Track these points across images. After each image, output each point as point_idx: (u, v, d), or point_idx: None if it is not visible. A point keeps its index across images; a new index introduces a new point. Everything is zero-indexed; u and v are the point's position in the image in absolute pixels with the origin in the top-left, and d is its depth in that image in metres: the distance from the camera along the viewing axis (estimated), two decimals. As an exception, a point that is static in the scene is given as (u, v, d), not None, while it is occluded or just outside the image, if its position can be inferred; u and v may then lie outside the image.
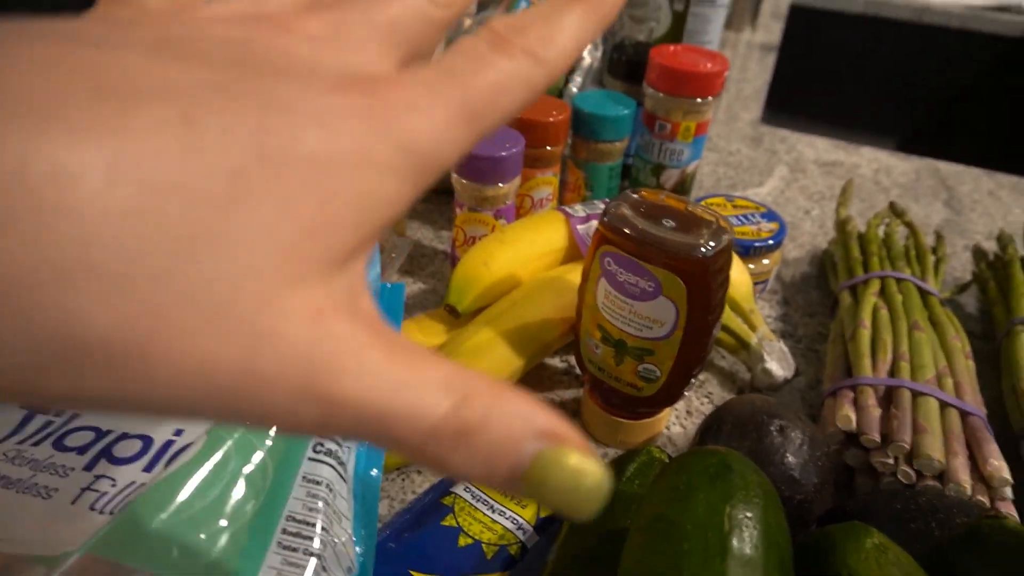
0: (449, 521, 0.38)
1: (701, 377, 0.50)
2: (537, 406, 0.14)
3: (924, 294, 0.50)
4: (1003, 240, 0.57)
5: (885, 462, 0.38)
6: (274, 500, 0.27)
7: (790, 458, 0.35)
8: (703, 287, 0.35)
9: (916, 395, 0.40)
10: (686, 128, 0.56)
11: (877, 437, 0.38)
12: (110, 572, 0.24)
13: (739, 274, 0.51)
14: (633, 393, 0.40)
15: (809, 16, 1.45)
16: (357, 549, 0.32)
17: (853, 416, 0.40)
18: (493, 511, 0.38)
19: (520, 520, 0.38)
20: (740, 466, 0.28)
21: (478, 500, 0.39)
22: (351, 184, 0.13)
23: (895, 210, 0.57)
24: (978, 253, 0.59)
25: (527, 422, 0.13)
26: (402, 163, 0.13)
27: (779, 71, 1.09)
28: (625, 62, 0.63)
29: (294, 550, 0.27)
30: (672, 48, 0.57)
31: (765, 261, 0.56)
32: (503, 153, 0.47)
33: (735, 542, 0.25)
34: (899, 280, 0.50)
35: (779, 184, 0.75)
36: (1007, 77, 1.35)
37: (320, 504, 0.28)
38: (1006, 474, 0.36)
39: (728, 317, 0.49)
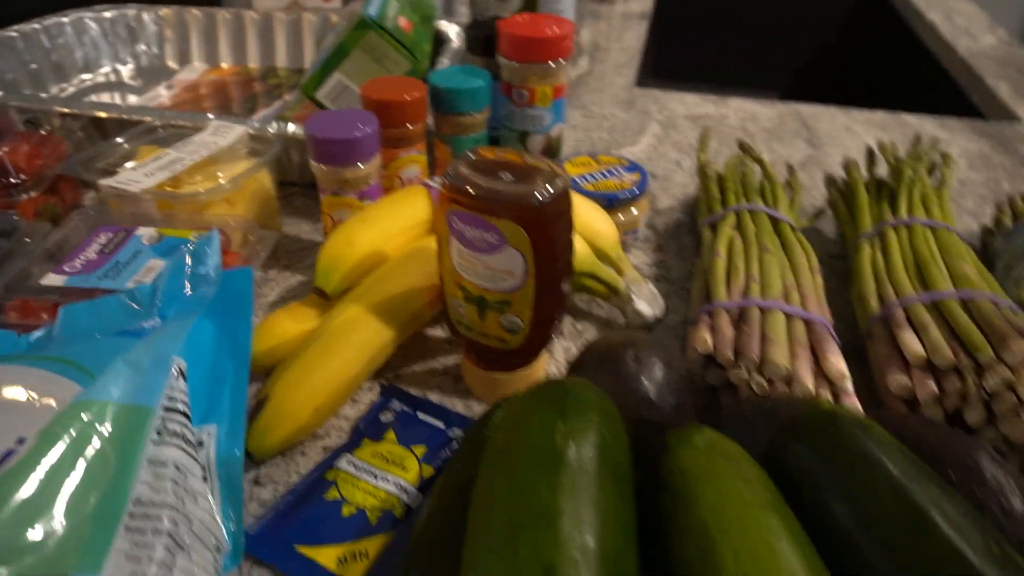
0: (332, 494, 0.38)
1: (579, 326, 0.51)
2: None
3: (776, 222, 0.52)
4: (848, 167, 0.60)
5: (739, 375, 0.40)
6: (118, 487, 0.27)
7: (645, 383, 0.37)
8: (545, 232, 0.37)
9: (764, 311, 0.43)
10: (543, 93, 0.58)
11: (730, 353, 0.40)
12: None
13: (605, 225, 0.52)
14: (501, 346, 0.41)
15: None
16: (226, 528, 0.32)
17: (709, 338, 0.42)
18: (376, 478, 0.39)
19: (403, 483, 0.39)
20: (577, 388, 0.30)
21: (361, 471, 0.39)
22: None
23: (742, 147, 0.60)
24: (829, 181, 0.62)
25: None
26: None
27: (656, 37, 1.13)
28: (482, 38, 0.64)
29: (142, 532, 0.26)
30: (519, 18, 0.58)
31: (633, 211, 0.58)
32: (356, 135, 0.48)
33: (569, 454, 0.26)
34: (753, 212, 0.53)
35: (652, 141, 0.78)
36: (874, 17, 1.43)
37: (168, 484, 0.28)
38: (843, 367, 0.39)
39: (597, 267, 0.50)
